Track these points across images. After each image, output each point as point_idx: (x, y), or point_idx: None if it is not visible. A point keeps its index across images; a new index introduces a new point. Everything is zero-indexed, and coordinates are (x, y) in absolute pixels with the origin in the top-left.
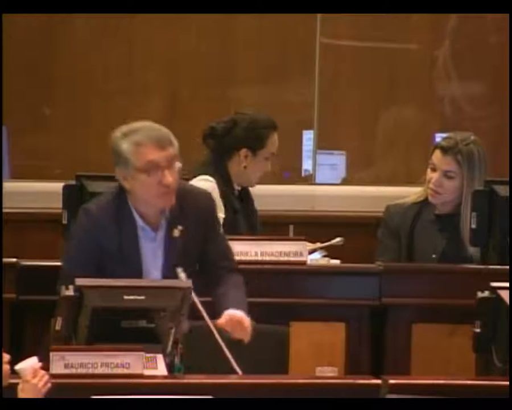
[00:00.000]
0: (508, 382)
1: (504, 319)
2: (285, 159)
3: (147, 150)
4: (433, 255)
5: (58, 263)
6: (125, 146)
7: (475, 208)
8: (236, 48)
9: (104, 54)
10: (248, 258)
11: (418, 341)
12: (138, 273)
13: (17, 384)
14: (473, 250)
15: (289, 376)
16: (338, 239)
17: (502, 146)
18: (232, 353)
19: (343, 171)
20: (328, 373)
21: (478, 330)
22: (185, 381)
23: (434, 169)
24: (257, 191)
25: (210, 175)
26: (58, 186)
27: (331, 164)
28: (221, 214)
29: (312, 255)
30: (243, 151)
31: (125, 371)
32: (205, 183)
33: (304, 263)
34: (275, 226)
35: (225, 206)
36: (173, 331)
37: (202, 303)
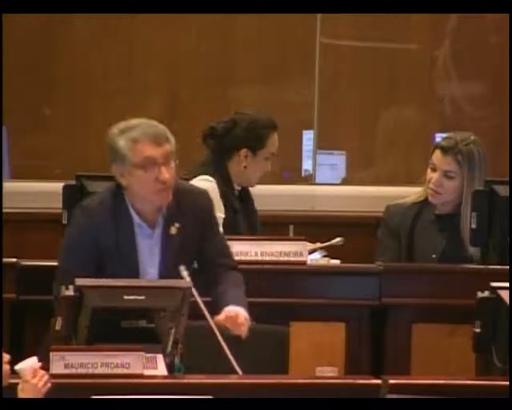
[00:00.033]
0: (508, 382)
1: (504, 319)
2: (285, 159)
3: (144, 146)
4: (433, 255)
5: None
6: (122, 142)
7: (475, 208)
8: (236, 48)
9: (104, 54)
10: (248, 258)
11: (418, 341)
12: (135, 271)
13: (17, 384)
14: (473, 250)
15: (289, 376)
16: (338, 239)
17: (502, 146)
18: (233, 353)
19: (343, 171)
20: (328, 373)
21: (478, 330)
22: (185, 381)
23: (434, 169)
24: (258, 191)
25: (210, 175)
26: (58, 186)
27: (331, 164)
28: (221, 214)
29: (312, 255)
30: (243, 151)
31: (125, 371)
32: (205, 183)
33: (304, 263)
34: (275, 226)
35: (225, 206)
36: (173, 331)
37: (203, 303)
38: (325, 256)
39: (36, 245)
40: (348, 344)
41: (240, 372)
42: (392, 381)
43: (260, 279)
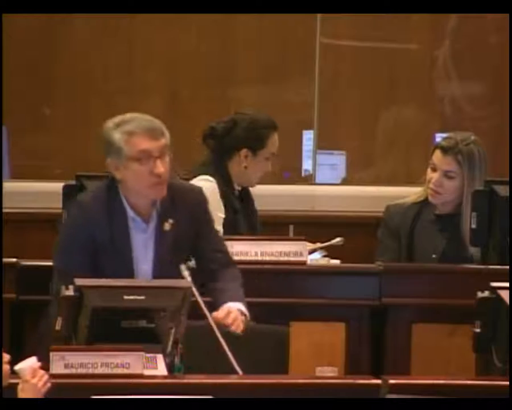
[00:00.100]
0: (508, 382)
1: (504, 319)
2: (285, 159)
3: (140, 139)
4: (433, 255)
5: None
6: (117, 135)
7: (475, 208)
8: (236, 48)
9: (104, 54)
10: (248, 258)
11: (418, 341)
12: (129, 265)
13: (17, 384)
14: (473, 250)
15: (289, 376)
16: (338, 239)
17: (502, 146)
18: (233, 353)
19: (343, 171)
20: (328, 373)
21: (478, 330)
22: (185, 381)
23: (434, 169)
24: (258, 191)
25: (211, 175)
26: (58, 186)
27: (331, 164)
28: (221, 214)
29: (312, 255)
30: (244, 151)
31: (125, 371)
32: (205, 183)
33: (304, 263)
34: (275, 226)
35: (225, 206)
36: (173, 331)
37: (204, 302)
38: (325, 256)
39: (36, 245)
40: (348, 344)
41: (240, 372)
42: (392, 381)
43: (260, 279)
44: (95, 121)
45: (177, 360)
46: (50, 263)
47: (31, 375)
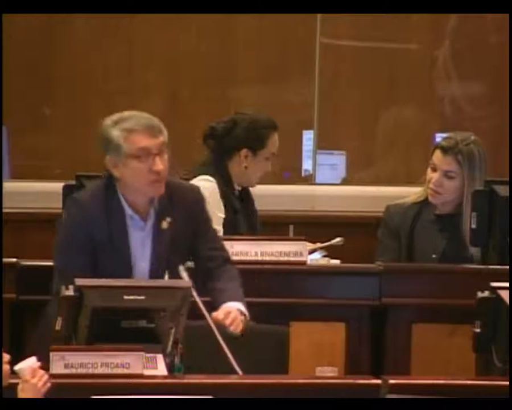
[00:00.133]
0: (508, 382)
1: (504, 319)
2: (285, 159)
3: (139, 137)
4: (433, 255)
5: None
6: (116, 133)
7: (475, 208)
8: (236, 48)
9: (104, 54)
10: (248, 258)
11: (418, 341)
12: (127, 262)
13: (17, 384)
14: (473, 250)
15: (289, 376)
16: (338, 239)
17: (502, 146)
18: (232, 353)
19: (343, 171)
20: (328, 373)
21: (478, 330)
22: (185, 381)
23: (434, 169)
24: (258, 191)
25: (211, 175)
26: (58, 186)
27: (331, 164)
28: (221, 214)
29: (312, 255)
30: (244, 151)
31: (125, 371)
32: (205, 183)
33: (304, 263)
34: (275, 226)
35: (225, 206)
36: (173, 331)
37: (203, 303)
38: (325, 256)
39: (36, 245)
40: (348, 344)
41: (240, 372)
42: (392, 381)
43: (260, 279)
44: (95, 121)
45: (177, 360)
46: (50, 263)
47: (30, 375)
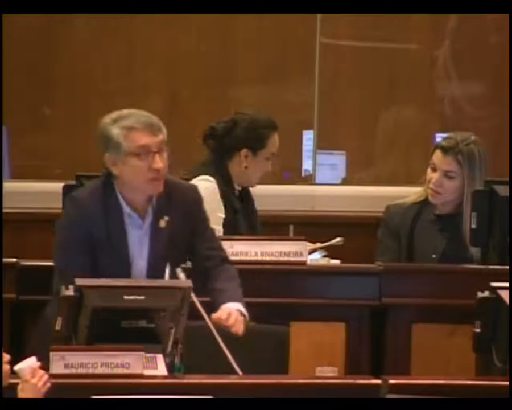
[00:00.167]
0: (508, 382)
1: (504, 319)
2: (285, 159)
3: (139, 134)
4: (433, 256)
5: None
6: (116, 130)
7: (475, 208)
8: (236, 48)
9: (104, 54)
10: (248, 258)
11: (418, 341)
12: (125, 260)
13: (17, 384)
14: (473, 250)
15: (289, 376)
16: (338, 239)
17: (502, 146)
18: (232, 353)
19: (343, 171)
20: (328, 373)
21: (478, 330)
22: (185, 381)
23: (434, 169)
24: (258, 191)
25: (211, 175)
26: (58, 186)
27: (331, 164)
28: (221, 214)
29: (312, 255)
30: (244, 151)
31: (125, 371)
32: (206, 183)
33: (304, 263)
34: (275, 226)
35: (225, 206)
36: (173, 331)
37: (201, 303)
38: (325, 256)
39: (36, 245)
40: (348, 344)
41: (240, 372)
42: (392, 381)
43: (260, 279)
44: (95, 121)
45: (177, 360)
46: (50, 263)
47: (30, 375)
